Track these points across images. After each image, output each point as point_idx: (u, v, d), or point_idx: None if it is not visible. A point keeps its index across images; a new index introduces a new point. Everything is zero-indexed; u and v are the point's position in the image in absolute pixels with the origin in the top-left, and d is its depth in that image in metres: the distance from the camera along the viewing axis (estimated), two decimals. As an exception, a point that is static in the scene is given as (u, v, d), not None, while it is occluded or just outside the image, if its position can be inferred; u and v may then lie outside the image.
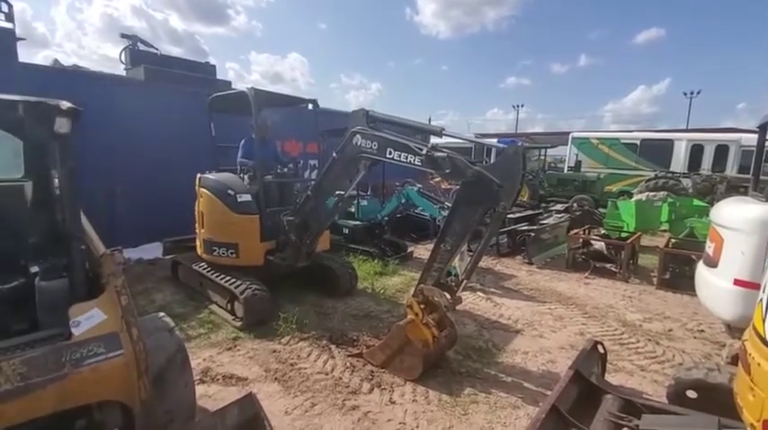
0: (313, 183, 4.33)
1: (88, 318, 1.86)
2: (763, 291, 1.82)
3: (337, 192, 4.16)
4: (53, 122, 1.85)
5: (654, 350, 3.78)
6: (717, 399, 2.39)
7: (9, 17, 5.55)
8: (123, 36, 6.96)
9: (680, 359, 3.59)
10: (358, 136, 3.60)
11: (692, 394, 2.60)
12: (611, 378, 3.18)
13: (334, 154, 3.86)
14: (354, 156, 3.68)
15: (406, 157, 3.32)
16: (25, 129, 2.24)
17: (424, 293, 3.16)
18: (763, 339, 1.72)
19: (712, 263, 3.31)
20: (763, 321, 1.74)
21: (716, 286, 3.22)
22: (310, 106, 4.92)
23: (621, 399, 2.57)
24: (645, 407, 2.45)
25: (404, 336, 3.15)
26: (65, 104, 1.86)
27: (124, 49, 6.92)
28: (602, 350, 3.05)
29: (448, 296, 3.20)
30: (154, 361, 2.00)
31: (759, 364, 1.71)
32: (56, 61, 6.37)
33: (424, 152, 3.20)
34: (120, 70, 7.05)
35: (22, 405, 1.57)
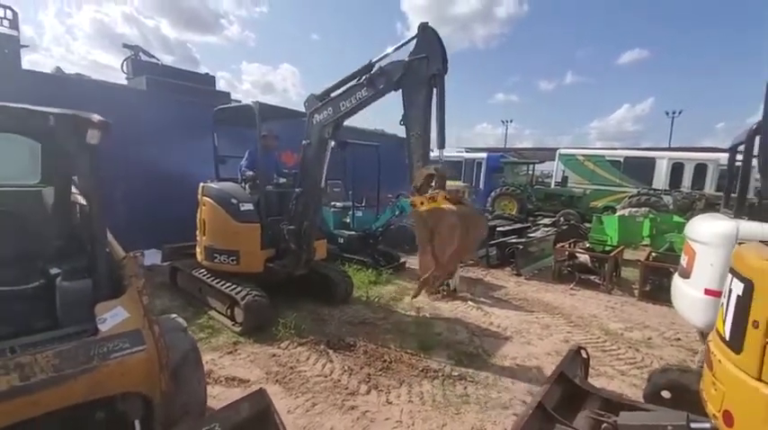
0: (298, 179, 4.56)
1: (113, 316, 2.01)
2: (724, 297, 2.06)
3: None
4: (85, 134, 2.02)
5: (634, 356, 4.01)
6: (689, 399, 2.60)
7: (14, 24, 5.69)
8: (126, 46, 7.13)
9: (657, 365, 3.82)
10: (315, 115, 4.11)
11: (666, 394, 2.82)
12: (594, 381, 3.38)
13: (303, 141, 4.30)
14: (321, 131, 4.10)
15: (356, 97, 3.78)
16: (57, 140, 2.40)
17: (417, 184, 3.30)
18: (723, 339, 1.95)
19: (686, 274, 3.56)
20: (724, 323, 1.97)
21: (689, 296, 3.46)
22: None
23: (602, 399, 2.78)
24: (623, 406, 2.66)
25: (423, 214, 3.20)
26: (96, 117, 2.04)
27: (126, 59, 7.08)
28: (585, 355, 3.26)
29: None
30: (171, 358, 2.14)
31: (720, 361, 1.93)
32: (58, 69, 6.48)
33: (363, 81, 3.64)
34: (112, 77, 7.19)
35: (57, 393, 1.71)
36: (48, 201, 2.74)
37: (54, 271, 2.33)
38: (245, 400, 2.15)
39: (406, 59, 3.42)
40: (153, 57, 7.42)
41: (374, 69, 3.62)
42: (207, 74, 8.24)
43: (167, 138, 6.62)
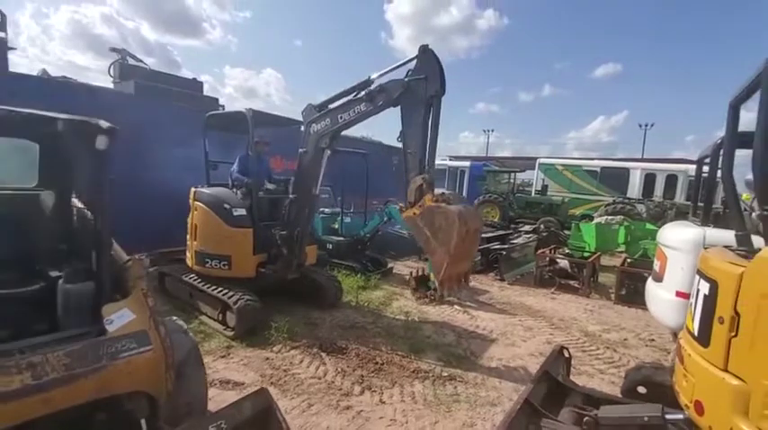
0: (292, 185, 4.66)
1: (119, 317, 2.06)
2: (693, 297, 2.26)
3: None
4: (95, 140, 2.08)
5: (611, 356, 4.24)
6: (662, 394, 2.80)
7: (1, 26, 5.59)
8: (113, 50, 7.07)
9: (633, 364, 4.04)
10: (313, 125, 4.23)
11: (642, 390, 3.02)
12: (575, 379, 3.55)
13: (300, 149, 4.41)
14: (318, 140, 4.23)
15: (355, 111, 3.90)
16: (65, 145, 2.43)
17: (411, 199, 3.46)
18: (692, 334, 2.14)
19: (658, 278, 3.81)
20: (693, 320, 2.17)
21: (662, 298, 3.70)
22: (303, 128, 5.22)
23: (584, 395, 2.95)
24: (603, 401, 2.83)
25: (417, 219, 3.37)
26: (104, 124, 2.10)
27: (113, 62, 7.02)
28: (567, 354, 3.45)
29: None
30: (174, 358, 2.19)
31: (690, 355, 2.12)
32: (44, 71, 6.38)
33: (362, 95, 3.78)
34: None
35: (68, 392, 1.75)
36: (46, 205, 2.75)
37: (54, 274, 2.36)
38: (249, 399, 2.21)
39: (406, 79, 3.53)
40: (140, 61, 7.38)
41: (373, 85, 3.73)
42: (194, 79, 8.22)
43: (155, 142, 6.56)
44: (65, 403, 1.75)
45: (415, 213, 3.42)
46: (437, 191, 3.69)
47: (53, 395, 1.71)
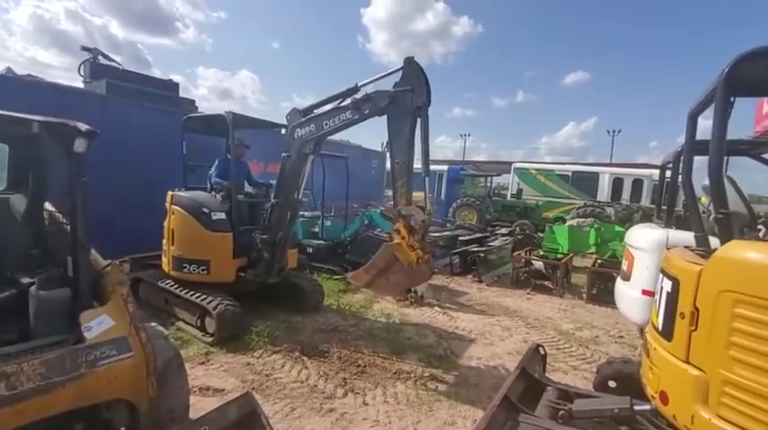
0: (274, 190, 4.62)
1: (98, 324, 2.02)
2: (657, 295, 2.41)
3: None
4: (73, 142, 2.04)
5: (584, 353, 4.42)
6: (631, 387, 2.96)
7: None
8: (84, 49, 6.83)
9: (604, 360, 4.23)
10: (297, 129, 4.18)
11: (612, 384, 3.18)
12: (551, 376, 3.70)
13: (283, 154, 4.36)
14: (302, 146, 4.19)
15: (341, 118, 3.88)
16: (41, 147, 2.36)
17: (403, 213, 3.43)
18: (657, 329, 2.28)
19: (626, 277, 4.01)
20: (657, 316, 2.32)
21: (629, 296, 3.90)
22: (283, 131, 5.20)
23: (559, 390, 3.08)
24: (577, 395, 2.97)
25: (391, 256, 3.34)
26: (83, 126, 2.07)
27: (84, 61, 6.78)
28: (542, 352, 3.58)
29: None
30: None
31: (655, 349, 2.26)
32: (9, 69, 6.10)
33: (348, 103, 3.77)
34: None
35: (44, 402, 1.70)
36: (16, 209, 2.65)
37: (25, 280, 2.28)
38: (233, 403, 2.20)
39: (392, 90, 3.55)
40: (113, 60, 7.16)
41: (360, 94, 3.74)
42: (170, 80, 8.04)
43: (127, 145, 6.38)
44: (41, 414, 1.70)
45: (404, 238, 3.38)
46: (416, 194, 3.72)
47: (27, 406, 1.66)
